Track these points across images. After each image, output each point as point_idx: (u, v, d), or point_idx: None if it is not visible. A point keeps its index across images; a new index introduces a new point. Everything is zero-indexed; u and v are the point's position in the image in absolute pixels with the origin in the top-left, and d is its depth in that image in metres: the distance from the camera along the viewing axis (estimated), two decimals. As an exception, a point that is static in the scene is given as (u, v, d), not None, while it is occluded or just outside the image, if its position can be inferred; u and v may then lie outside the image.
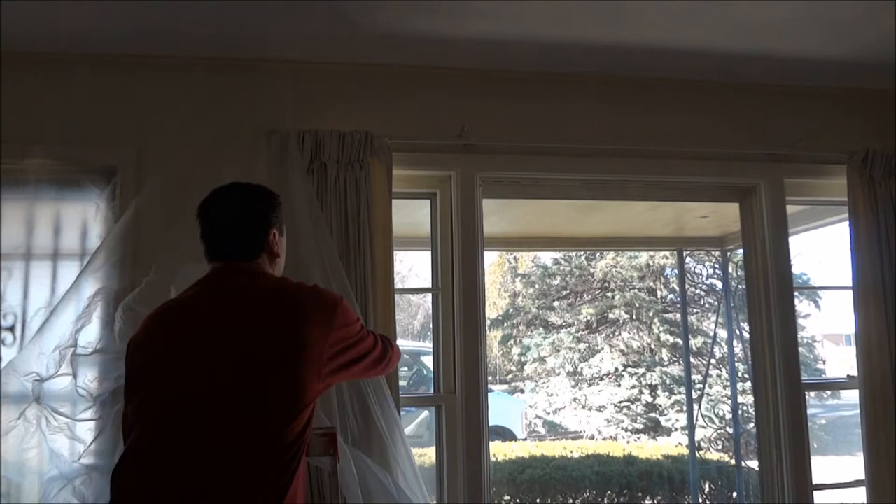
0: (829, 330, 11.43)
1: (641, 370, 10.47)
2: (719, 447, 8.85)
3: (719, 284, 9.89)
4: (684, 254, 6.04)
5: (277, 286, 1.62)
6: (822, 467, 3.17)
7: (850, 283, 2.80)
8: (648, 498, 6.50)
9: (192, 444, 1.41)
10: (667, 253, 10.01)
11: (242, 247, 1.64)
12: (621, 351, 10.74)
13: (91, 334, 2.25)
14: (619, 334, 10.91)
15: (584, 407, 10.69)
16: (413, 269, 10.10)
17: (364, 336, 1.71)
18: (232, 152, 2.27)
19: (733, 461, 6.70)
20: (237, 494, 1.38)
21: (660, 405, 10.17)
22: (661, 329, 10.51)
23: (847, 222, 2.82)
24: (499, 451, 6.88)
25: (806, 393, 2.81)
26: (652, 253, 10.37)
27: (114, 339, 2.21)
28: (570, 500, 6.34)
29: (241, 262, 1.63)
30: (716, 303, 9.81)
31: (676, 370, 10.28)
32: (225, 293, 1.58)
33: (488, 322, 10.88)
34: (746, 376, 6.69)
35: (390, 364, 1.87)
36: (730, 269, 5.58)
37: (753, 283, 2.91)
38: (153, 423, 1.45)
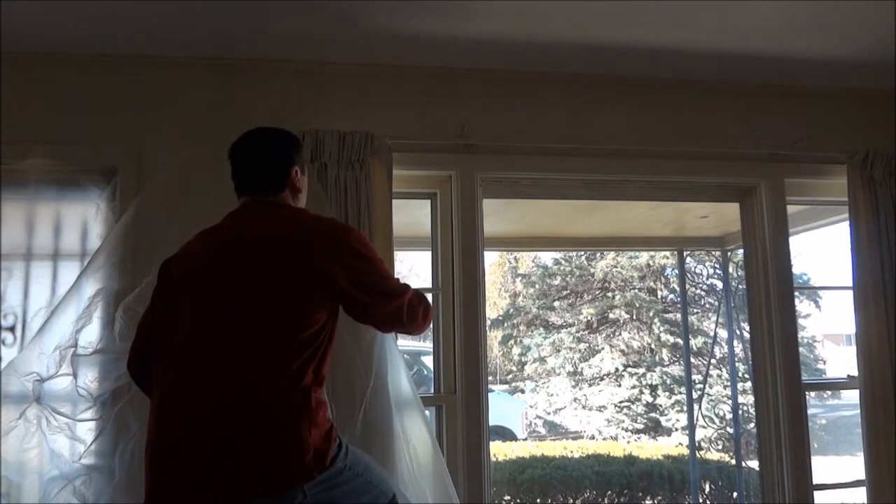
0: (830, 330, 11.42)
1: (642, 370, 10.47)
2: (720, 447, 8.84)
3: (719, 284, 9.90)
4: (684, 254, 6.04)
5: (297, 215, 1.81)
6: (823, 467, 3.18)
7: (850, 283, 2.80)
8: (649, 498, 6.50)
9: (224, 344, 1.59)
10: (667, 253, 10.01)
11: (267, 182, 1.82)
12: (622, 351, 10.74)
13: (91, 334, 2.25)
14: (620, 334, 10.91)
15: (584, 407, 10.69)
16: (413, 269, 10.09)
17: (388, 275, 1.83)
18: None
19: (734, 461, 6.70)
20: (266, 382, 1.55)
21: (660, 405, 10.16)
22: (662, 329, 10.51)
23: (847, 222, 2.82)
24: (499, 451, 6.88)
25: (806, 393, 2.81)
26: (652, 253, 10.37)
27: (114, 340, 2.22)
28: (571, 501, 6.33)
29: (267, 196, 1.81)
30: (716, 303, 9.81)
31: (677, 370, 10.28)
32: (251, 222, 1.76)
33: (488, 322, 10.89)
34: (747, 376, 6.70)
35: (426, 316, 1.89)
36: (730, 269, 5.58)
37: (754, 283, 2.90)
38: (189, 329, 1.63)
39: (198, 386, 1.57)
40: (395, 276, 1.99)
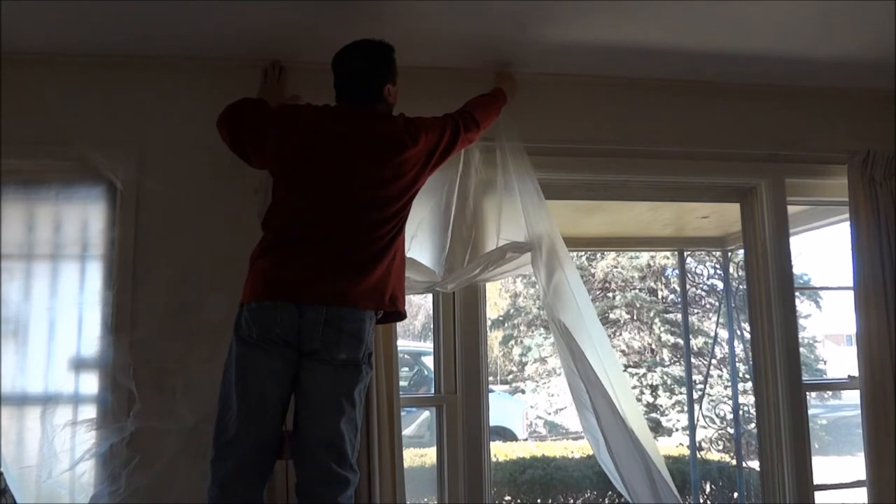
0: (830, 330, 11.40)
1: (642, 370, 10.45)
2: (720, 447, 8.83)
3: (720, 285, 9.89)
4: (685, 254, 6.04)
5: (387, 118, 2.16)
6: (824, 467, 3.17)
7: (851, 284, 2.80)
8: (649, 498, 6.48)
9: (345, 216, 2.02)
10: (668, 253, 9.99)
11: (363, 98, 2.15)
12: (622, 351, 10.72)
13: (93, 340, 2.32)
14: (620, 334, 10.89)
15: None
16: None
17: (437, 123, 2.21)
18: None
19: (734, 461, 6.70)
20: (369, 243, 2.02)
21: (661, 405, 10.15)
22: (662, 329, 10.50)
23: (848, 222, 2.82)
24: (499, 451, 6.88)
25: (807, 393, 2.81)
26: (653, 253, 10.36)
27: (111, 345, 2.27)
28: (571, 501, 6.34)
29: (363, 107, 2.14)
30: (717, 303, 9.80)
31: (677, 370, 10.26)
32: (354, 124, 2.09)
33: (489, 322, 10.87)
34: (747, 376, 6.69)
35: (473, 129, 2.30)
36: (731, 270, 5.57)
37: (754, 284, 2.90)
38: (314, 202, 2.02)
39: (323, 241, 1.99)
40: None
